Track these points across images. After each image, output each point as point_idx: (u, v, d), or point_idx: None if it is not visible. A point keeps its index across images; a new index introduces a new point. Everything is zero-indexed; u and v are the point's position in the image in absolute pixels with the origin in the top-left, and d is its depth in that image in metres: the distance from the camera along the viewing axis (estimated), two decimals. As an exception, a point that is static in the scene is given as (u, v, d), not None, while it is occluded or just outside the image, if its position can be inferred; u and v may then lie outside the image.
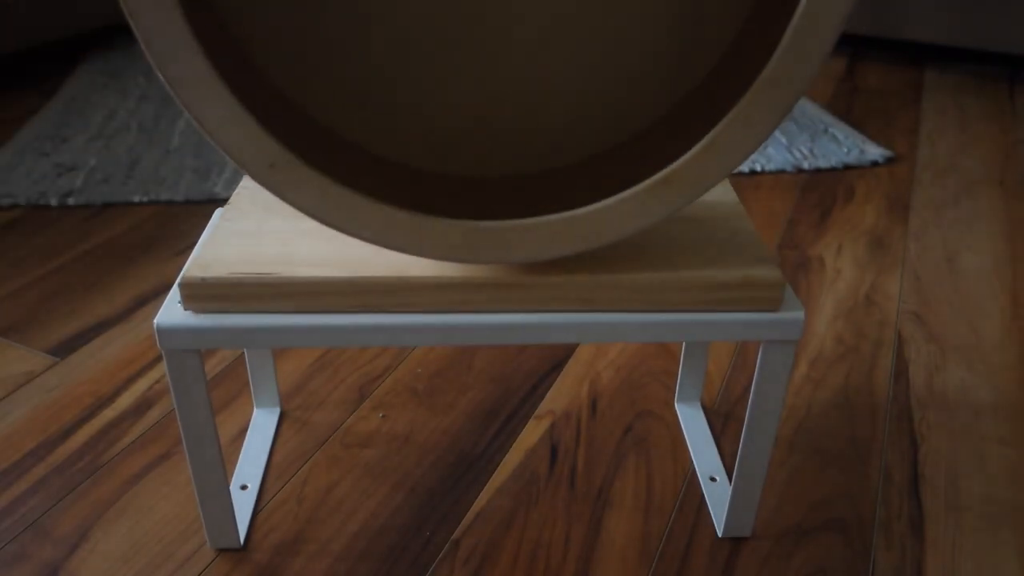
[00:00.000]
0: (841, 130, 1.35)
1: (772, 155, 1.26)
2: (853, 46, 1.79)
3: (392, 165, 0.56)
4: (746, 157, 0.46)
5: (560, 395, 0.76)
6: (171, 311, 0.50)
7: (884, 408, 0.75)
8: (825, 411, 0.75)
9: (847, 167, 1.24)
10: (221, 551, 0.60)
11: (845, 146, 1.29)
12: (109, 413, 0.73)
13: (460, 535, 0.62)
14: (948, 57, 1.73)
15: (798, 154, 1.26)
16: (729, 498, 0.60)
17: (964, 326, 0.87)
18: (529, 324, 0.50)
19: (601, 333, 0.51)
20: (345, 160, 0.53)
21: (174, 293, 0.51)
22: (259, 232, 0.54)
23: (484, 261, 0.48)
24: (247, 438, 0.70)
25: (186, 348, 0.50)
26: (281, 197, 0.45)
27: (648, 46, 0.54)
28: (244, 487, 0.65)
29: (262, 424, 0.72)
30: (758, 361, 0.53)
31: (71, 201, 1.09)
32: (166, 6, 0.40)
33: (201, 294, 0.49)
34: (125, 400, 0.74)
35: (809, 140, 1.31)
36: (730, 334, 0.51)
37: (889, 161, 1.26)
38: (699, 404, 0.75)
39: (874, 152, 1.27)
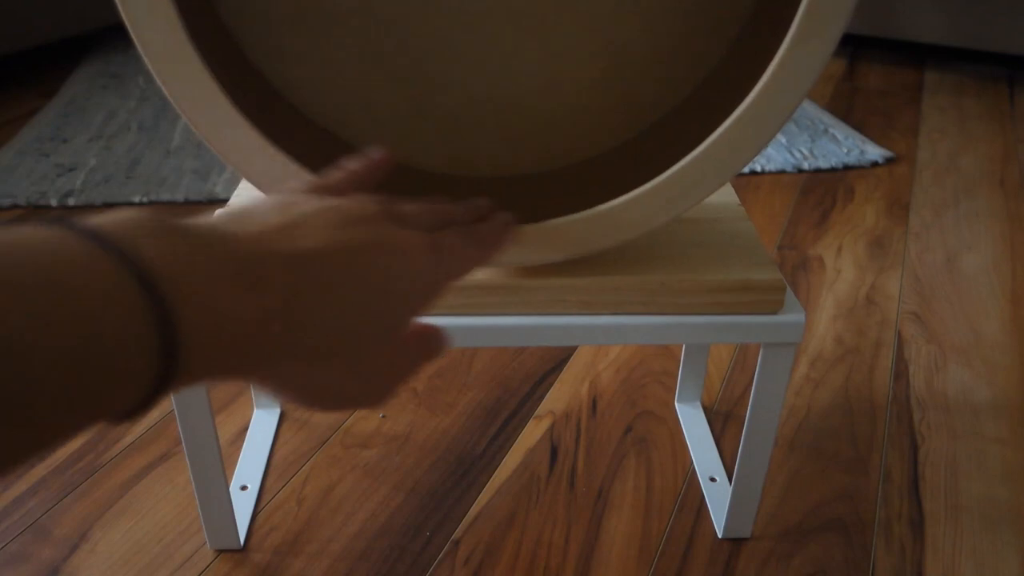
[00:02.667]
0: (841, 130, 1.35)
1: (772, 155, 1.26)
2: (853, 46, 1.79)
3: (398, 169, 0.56)
4: (752, 158, 0.46)
5: (560, 395, 0.76)
6: (171, 312, 0.50)
7: (884, 408, 0.75)
8: (825, 411, 0.75)
9: (847, 167, 1.24)
10: (221, 551, 0.60)
11: (845, 146, 1.29)
12: (109, 413, 0.73)
13: (460, 535, 0.62)
14: (948, 57, 1.73)
15: (798, 154, 1.26)
16: (729, 498, 0.60)
17: (964, 326, 0.87)
18: (530, 327, 0.50)
19: (601, 336, 0.51)
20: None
21: (174, 294, 0.51)
22: (259, 233, 0.53)
23: (491, 264, 0.48)
24: (247, 438, 0.70)
25: (186, 349, 0.49)
26: None
27: (650, 48, 0.54)
28: (244, 487, 0.65)
29: (262, 424, 0.72)
30: (758, 363, 0.53)
31: (71, 201, 1.09)
32: (173, 31, 0.40)
33: (201, 295, 0.49)
34: (125, 400, 0.74)
35: (809, 140, 1.31)
36: (730, 337, 0.51)
37: (889, 161, 1.26)
38: (699, 404, 0.75)
39: (874, 152, 1.27)
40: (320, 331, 0.29)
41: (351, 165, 0.39)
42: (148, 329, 0.22)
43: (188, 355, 0.24)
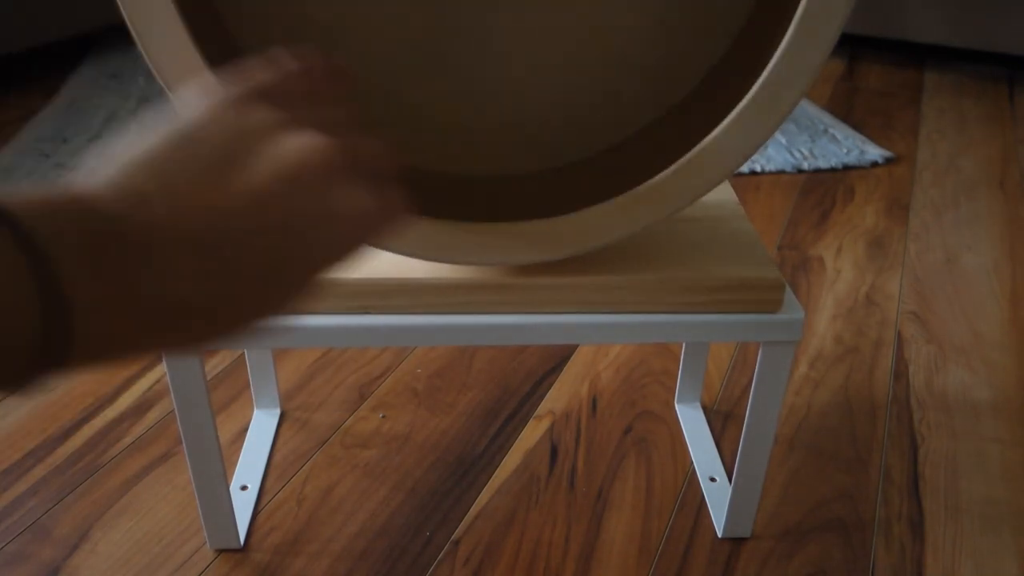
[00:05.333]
0: (841, 130, 1.35)
1: (772, 155, 1.26)
2: (853, 46, 1.79)
3: (398, 169, 0.56)
4: (747, 158, 0.46)
5: (560, 395, 0.76)
6: (171, 311, 0.50)
7: (884, 408, 0.75)
8: (825, 411, 0.75)
9: (847, 168, 1.24)
10: (221, 551, 0.60)
11: (845, 147, 1.29)
12: (109, 413, 0.73)
13: (460, 535, 0.62)
14: (948, 57, 1.73)
15: (798, 155, 1.26)
16: (729, 498, 0.60)
17: (964, 326, 0.87)
18: (529, 325, 0.50)
19: (601, 334, 0.51)
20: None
21: (174, 293, 0.51)
22: (259, 232, 0.53)
23: (483, 263, 0.48)
24: (247, 438, 0.70)
25: (186, 348, 0.49)
26: None
27: (647, 45, 0.54)
28: (244, 487, 0.65)
29: (262, 424, 0.72)
30: (758, 362, 0.53)
31: (71, 202, 1.09)
32: (178, 39, 0.40)
33: (201, 294, 0.49)
34: (125, 400, 0.74)
35: (809, 140, 1.31)
36: (730, 335, 0.51)
37: (889, 162, 1.26)
38: (699, 404, 0.75)
39: (874, 153, 1.27)
40: (234, 303, 0.27)
41: (285, 63, 0.31)
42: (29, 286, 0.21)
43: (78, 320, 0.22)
